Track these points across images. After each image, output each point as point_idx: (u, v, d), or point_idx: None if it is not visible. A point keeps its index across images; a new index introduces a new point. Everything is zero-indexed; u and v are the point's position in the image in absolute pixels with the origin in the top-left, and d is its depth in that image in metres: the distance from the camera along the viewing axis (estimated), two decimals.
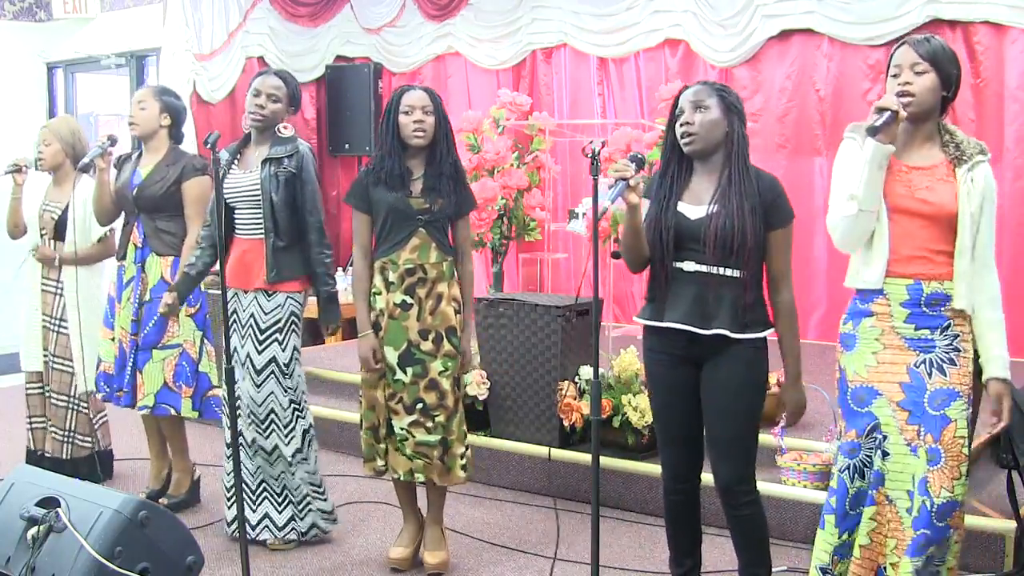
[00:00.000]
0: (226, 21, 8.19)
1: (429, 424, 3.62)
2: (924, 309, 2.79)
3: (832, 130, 6.39)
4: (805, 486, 4.08)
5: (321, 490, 4.02)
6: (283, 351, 3.87)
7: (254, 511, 3.99)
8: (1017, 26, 5.74)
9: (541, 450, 4.70)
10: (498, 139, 5.67)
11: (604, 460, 4.24)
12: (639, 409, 4.44)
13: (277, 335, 3.86)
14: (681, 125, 3.01)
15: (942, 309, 2.79)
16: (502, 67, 7.53)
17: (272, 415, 3.87)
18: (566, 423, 4.62)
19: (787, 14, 6.39)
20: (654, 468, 4.38)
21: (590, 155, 2.81)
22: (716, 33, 6.61)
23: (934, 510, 2.73)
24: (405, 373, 3.61)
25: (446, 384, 3.62)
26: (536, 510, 4.51)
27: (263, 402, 3.86)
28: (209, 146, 3.19)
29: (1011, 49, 5.83)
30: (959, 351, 2.80)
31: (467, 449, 3.73)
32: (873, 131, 2.73)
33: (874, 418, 2.84)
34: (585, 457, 4.52)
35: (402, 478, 3.70)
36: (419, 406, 3.61)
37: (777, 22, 6.44)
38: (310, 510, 4.00)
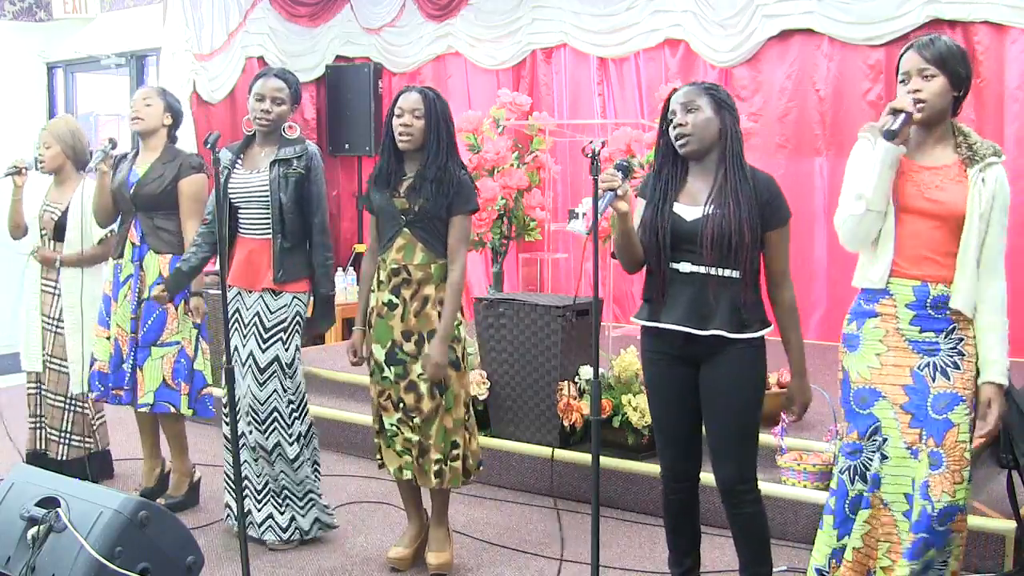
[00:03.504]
0: (226, 21, 8.19)
1: (410, 424, 3.65)
2: (930, 311, 2.78)
3: (832, 130, 6.39)
4: (805, 486, 4.08)
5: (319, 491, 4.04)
6: (286, 351, 3.88)
7: (259, 510, 3.99)
8: (1017, 26, 5.74)
9: (541, 450, 4.71)
10: (498, 139, 5.67)
11: (604, 460, 4.24)
12: (639, 409, 4.44)
13: (281, 335, 3.87)
14: (675, 127, 3.00)
15: (947, 312, 2.77)
16: (502, 67, 7.53)
17: (275, 414, 3.88)
18: (566, 423, 4.62)
19: (787, 14, 6.39)
20: (654, 468, 4.38)
21: (590, 155, 2.81)
22: (716, 33, 6.61)
23: (935, 514, 2.72)
24: (390, 371, 3.64)
25: (423, 388, 3.60)
26: (536, 510, 4.51)
27: (266, 400, 3.87)
28: (209, 146, 3.19)
29: (1011, 49, 5.83)
30: (963, 355, 2.78)
31: (449, 459, 3.65)
32: (891, 135, 2.71)
33: (875, 420, 2.83)
34: (585, 457, 4.52)
35: (392, 474, 3.74)
36: (402, 405, 3.64)
37: (777, 22, 6.44)
38: (313, 506, 4.00)
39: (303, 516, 4.00)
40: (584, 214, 5.58)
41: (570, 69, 7.36)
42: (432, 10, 7.66)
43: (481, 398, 4.85)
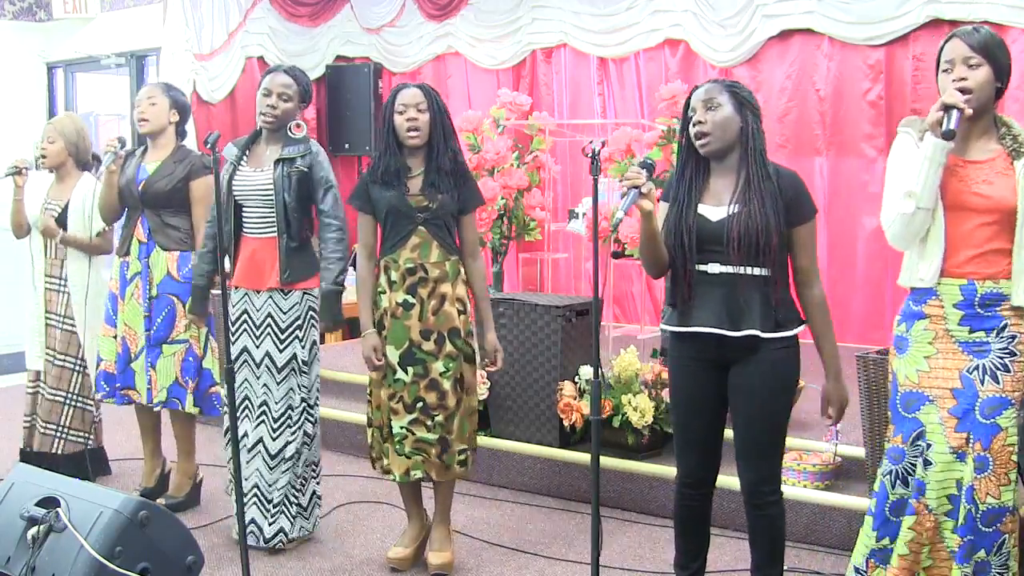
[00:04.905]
0: (226, 21, 8.20)
1: (428, 423, 3.61)
2: (979, 310, 2.71)
3: (832, 130, 6.38)
4: (805, 486, 4.08)
5: (320, 487, 4.03)
6: (303, 348, 3.88)
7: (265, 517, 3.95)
8: (1017, 26, 5.74)
9: (541, 450, 4.71)
10: (498, 139, 5.68)
11: (604, 460, 4.24)
12: (639, 409, 4.43)
13: (297, 332, 3.87)
14: (694, 125, 2.95)
15: (997, 309, 2.71)
16: (502, 67, 7.53)
17: (288, 411, 3.87)
18: (566, 423, 4.62)
19: (787, 14, 6.39)
20: (654, 468, 4.39)
21: (590, 155, 2.80)
22: (716, 33, 6.61)
23: (979, 516, 2.69)
24: (406, 372, 3.61)
25: (446, 384, 3.61)
26: (536, 510, 4.51)
27: (282, 399, 3.86)
28: (209, 146, 3.18)
29: (1011, 49, 5.81)
30: (1015, 355, 2.72)
31: (469, 448, 3.71)
32: (950, 134, 2.62)
33: (920, 424, 2.77)
34: (585, 457, 4.52)
35: (398, 479, 3.69)
36: (419, 405, 3.61)
37: (777, 22, 6.44)
38: (297, 514, 3.95)
39: (291, 521, 3.93)
40: (584, 214, 5.58)
41: (570, 69, 7.36)
42: (432, 10, 7.66)
43: (481, 398, 4.85)
